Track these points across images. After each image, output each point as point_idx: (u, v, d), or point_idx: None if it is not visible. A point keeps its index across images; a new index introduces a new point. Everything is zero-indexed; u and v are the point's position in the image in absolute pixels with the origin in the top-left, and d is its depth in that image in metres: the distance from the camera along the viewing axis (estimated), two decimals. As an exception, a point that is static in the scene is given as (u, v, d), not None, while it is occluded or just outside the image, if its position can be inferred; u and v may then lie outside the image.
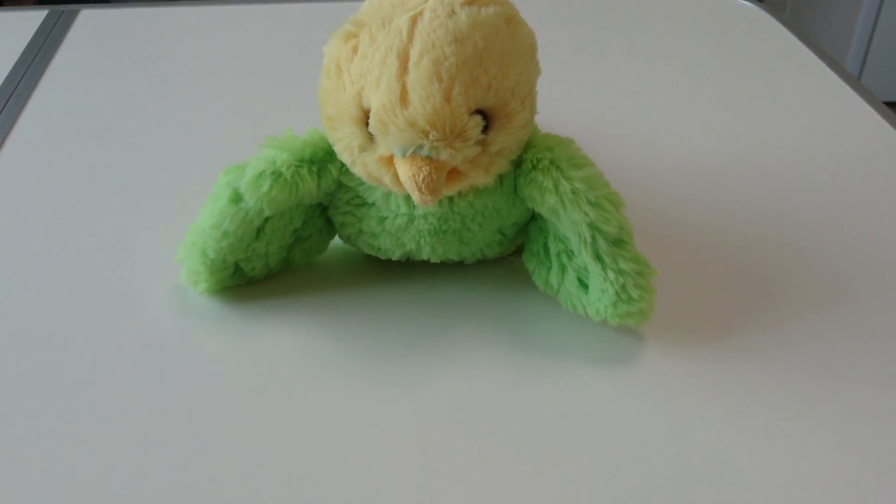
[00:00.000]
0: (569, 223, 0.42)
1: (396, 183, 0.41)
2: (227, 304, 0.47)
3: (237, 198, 0.43)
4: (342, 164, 0.44)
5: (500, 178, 0.43)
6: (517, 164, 0.43)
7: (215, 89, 0.70)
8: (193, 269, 0.46)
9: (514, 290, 0.48)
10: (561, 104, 0.63)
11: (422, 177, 0.38)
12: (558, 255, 0.45)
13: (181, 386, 0.42)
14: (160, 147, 0.62)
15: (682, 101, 0.70)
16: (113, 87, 0.69)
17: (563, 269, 0.45)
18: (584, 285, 0.45)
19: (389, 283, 0.49)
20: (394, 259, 0.47)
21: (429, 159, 0.38)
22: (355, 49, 0.39)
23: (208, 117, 0.67)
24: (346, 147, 0.41)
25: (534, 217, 0.47)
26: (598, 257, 0.42)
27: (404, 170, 0.39)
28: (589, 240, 0.42)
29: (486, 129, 0.40)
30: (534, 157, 0.43)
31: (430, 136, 0.38)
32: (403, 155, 0.38)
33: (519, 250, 0.51)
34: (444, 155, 0.38)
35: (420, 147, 0.38)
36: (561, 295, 0.46)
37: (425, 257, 0.46)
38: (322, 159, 0.44)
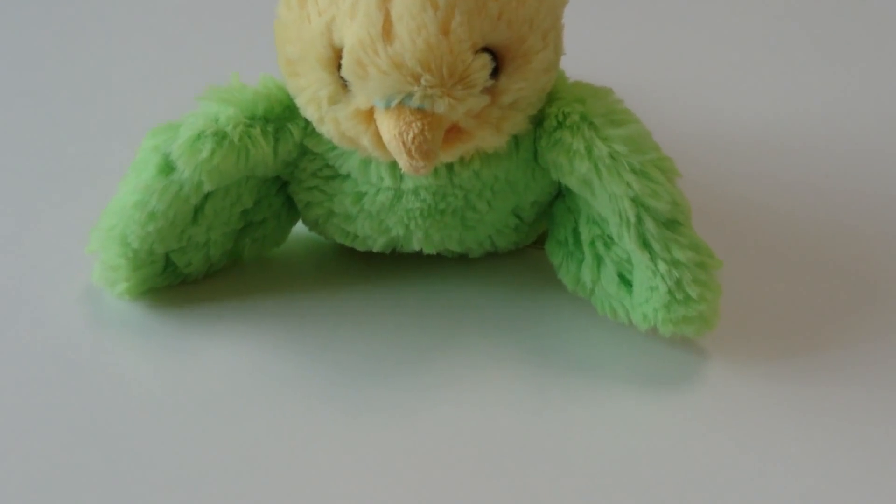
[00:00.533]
0: (606, 199, 0.42)
1: (378, 145, 0.40)
2: (155, 310, 0.46)
3: (168, 167, 0.42)
4: (306, 123, 0.43)
5: (516, 141, 0.43)
6: (538, 121, 0.43)
7: (137, 28, 0.70)
8: (111, 264, 0.45)
9: (535, 290, 0.48)
10: (596, 50, 0.62)
11: (411, 135, 0.37)
12: (592, 242, 0.44)
13: (93, 417, 0.41)
14: (66, 105, 0.61)
15: (761, 46, 0.69)
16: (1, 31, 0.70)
17: (598, 261, 0.44)
18: (626, 283, 0.44)
19: (370, 282, 0.48)
20: (375, 250, 0.47)
21: (421, 112, 0.38)
22: None
23: (129, 65, 0.66)
24: (312, 98, 0.41)
25: (560, 194, 0.46)
26: (644, 243, 0.41)
27: (389, 127, 0.38)
28: (633, 220, 0.41)
29: (495, 73, 0.39)
30: (560, 112, 0.42)
31: (423, 82, 0.37)
32: (387, 107, 0.38)
33: (540, 240, 0.50)
34: (441, 106, 0.38)
35: (409, 96, 0.37)
36: (596, 296, 0.45)
37: (417, 247, 0.46)
38: (280, 116, 0.43)
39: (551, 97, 0.43)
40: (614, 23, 0.68)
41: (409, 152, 0.38)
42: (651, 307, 0.43)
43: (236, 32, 0.68)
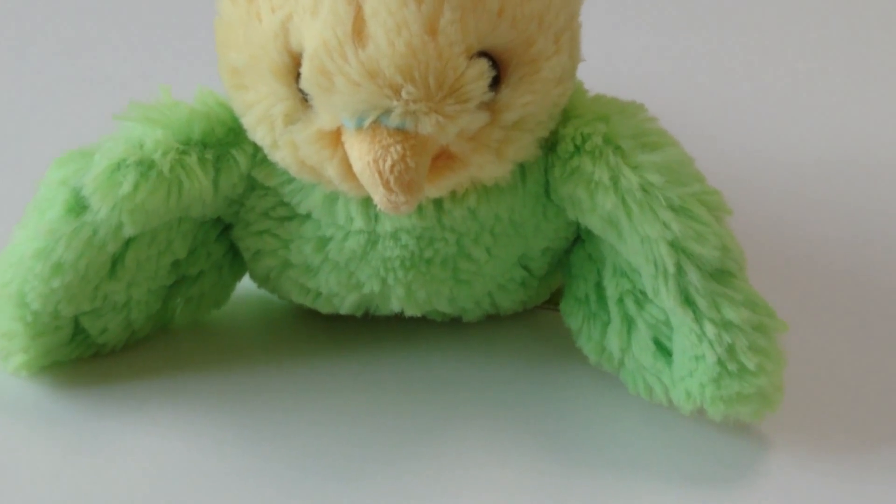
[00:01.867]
0: (637, 243, 0.42)
1: (347, 176, 0.41)
2: (61, 390, 0.46)
3: (78, 206, 0.43)
4: (255, 149, 0.44)
5: (522, 171, 0.44)
6: (550, 145, 0.44)
7: (43, 35, 0.71)
8: (4, 330, 0.45)
9: (548, 364, 0.49)
10: (622, 57, 0.63)
11: (389, 163, 0.38)
12: (621, 300, 0.45)
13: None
14: None
15: (826, 62, 0.71)
16: None
17: (629, 324, 0.45)
18: (664, 351, 0.45)
19: (336, 354, 0.49)
20: (343, 312, 0.48)
21: (401, 133, 0.38)
22: None
23: (33, 80, 0.66)
24: (264, 117, 0.42)
25: (579, 238, 0.47)
26: (687, 300, 0.42)
27: (361, 152, 0.39)
28: (672, 270, 0.42)
29: (496, 84, 0.40)
30: (578, 133, 0.43)
31: (404, 94, 0.38)
32: (359, 127, 0.39)
33: (554, 298, 0.50)
34: (428, 125, 0.38)
35: (386, 113, 0.38)
36: (627, 369, 0.46)
37: (396, 308, 0.47)
38: (222, 140, 0.44)
39: (566, 115, 0.44)
40: (643, 24, 0.70)
41: (386, 184, 0.38)
42: (696, 382, 0.43)
43: (166, 35, 0.69)
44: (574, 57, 0.43)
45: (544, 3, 0.41)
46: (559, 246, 0.47)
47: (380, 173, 0.38)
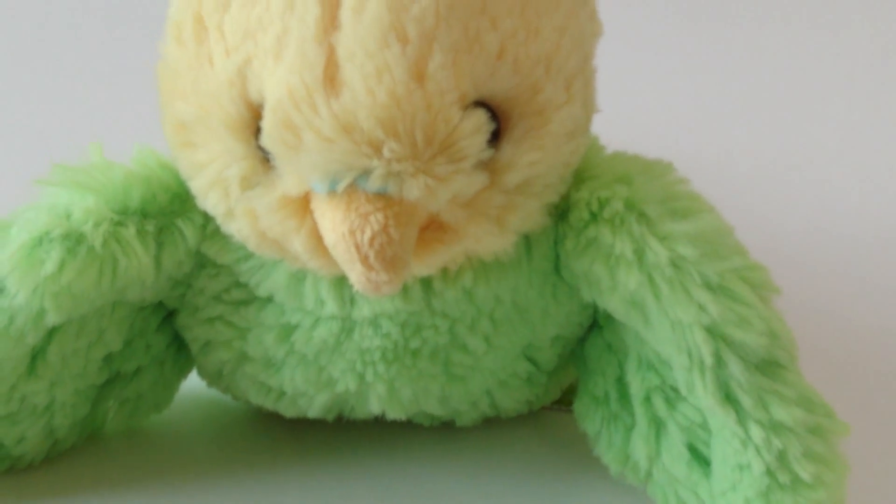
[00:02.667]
0: (667, 329, 0.42)
1: (316, 251, 0.41)
2: None
3: None
4: (206, 219, 0.44)
5: (528, 244, 0.44)
6: (561, 213, 0.44)
7: None
8: None
9: (558, 477, 0.48)
10: (644, 114, 0.63)
11: (369, 234, 0.38)
12: (648, 398, 0.45)
13: None
14: None
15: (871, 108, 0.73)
16: None
17: (658, 427, 0.45)
18: (700, 460, 0.45)
19: (303, 469, 0.48)
20: (311, 416, 0.48)
21: (383, 199, 0.38)
22: None
23: None
24: (216, 181, 0.41)
25: (596, 325, 0.47)
26: (728, 397, 0.42)
27: (335, 222, 0.38)
28: (709, 361, 0.42)
29: (496, 140, 0.40)
30: (594, 198, 0.43)
31: (386, 152, 0.38)
32: (332, 191, 0.38)
33: (565, 398, 0.50)
34: (414, 189, 0.38)
35: (364, 175, 0.38)
36: (655, 482, 0.46)
37: (376, 411, 0.46)
38: (165, 209, 0.44)
39: (580, 177, 0.44)
40: (667, 69, 0.69)
41: (365, 260, 0.38)
42: (740, 497, 0.42)
43: (97, 84, 0.69)
44: (588, 107, 0.43)
45: (552, 43, 0.41)
46: (572, 334, 0.47)
47: (357, 247, 0.38)
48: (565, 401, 0.51)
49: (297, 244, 0.41)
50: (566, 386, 0.50)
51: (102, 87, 0.68)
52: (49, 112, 0.67)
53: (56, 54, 0.72)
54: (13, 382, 0.45)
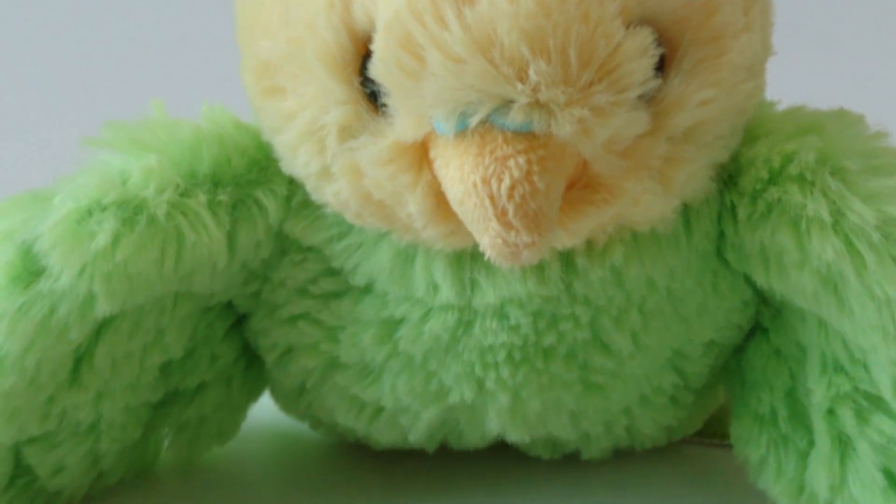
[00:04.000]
0: (871, 311, 0.39)
1: (436, 212, 0.38)
2: None
3: (29, 270, 0.40)
4: (290, 191, 0.42)
5: (686, 216, 0.40)
6: (728, 178, 0.40)
7: None
8: None
9: None
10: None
11: (508, 183, 0.34)
12: (832, 411, 0.41)
13: None
14: None
15: None
16: None
17: (844, 448, 0.41)
18: None
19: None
20: (413, 441, 0.45)
21: (527, 139, 0.35)
22: None
23: None
24: (309, 132, 0.39)
25: (759, 329, 0.44)
26: None
27: (463, 170, 0.35)
28: None
29: (661, 70, 0.36)
30: (776, 154, 0.40)
31: (532, 75, 0.34)
32: (460, 131, 0.35)
33: (709, 430, 0.47)
34: (567, 125, 0.35)
35: (504, 108, 0.35)
36: None
37: (495, 430, 0.44)
38: (241, 177, 0.42)
39: (752, 133, 0.40)
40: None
41: (501, 215, 0.34)
42: None
43: (159, 37, 0.68)
44: (766, 41, 0.40)
45: None
46: (728, 340, 0.43)
47: (493, 199, 0.34)
48: (708, 433, 0.48)
49: (412, 204, 0.38)
50: (708, 415, 0.47)
51: (166, 39, 0.67)
52: (100, 67, 0.67)
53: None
54: (52, 393, 0.41)
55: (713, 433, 0.47)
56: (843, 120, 0.41)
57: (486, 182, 0.34)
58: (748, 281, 0.41)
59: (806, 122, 0.40)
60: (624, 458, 0.47)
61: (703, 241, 0.41)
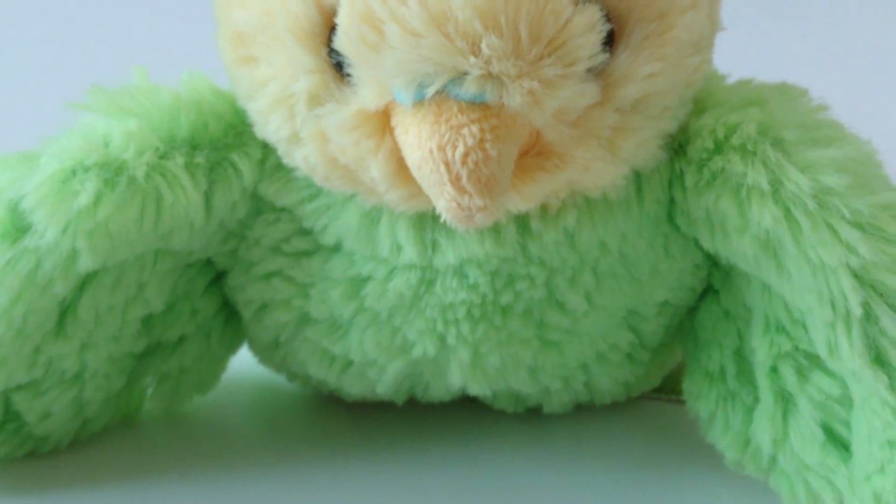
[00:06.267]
0: (807, 275, 0.39)
1: (397, 175, 0.38)
2: None
3: (15, 226, 0.41)
4: (264, 154, 0.42)
5: (638, 182, 0.41)
6: (677, 147, 0.41)
7: None
8: None
9: (662, 469, 0.46)
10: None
11: (462, 150, 0.35)
12: (775, 369, 0.42)
13: None
14: None
15: None
16: None
17: (786, 404, 0.42)
18: (837, 442, 0.41)
19: (366, 459, 0.46)
20: (380, 392, 0.45)
21: (480, 108, 0.35)
22: None
23: None
24: (280, 99, 0.39)
25: (710, 291, 0.44)
26: (879, 358, 0.39)
27: (421, 137, 0.36)
28: (858, 312, 0.38)
29: (610, 45, 0.37)
30: (720, 124, 0.40)
31: (485, 48, 0.35)
32: (419, 101, 0.36)
33: (666, 386, 0.48)
34: (517, 95, 0.35)
35: (459, 79, 0.35)
36: (781, 470, 0.43)
37: (457, 383, 0.44)
38: (218, 141, 0.42)
39: (701, 105, 0.41)
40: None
41: (456, 181, 0.35)
42: (891, 480, 0.39)
43: (143, 6, 0.68)
44: (714, 18, 0.40)
45: None
46: (681, 301, 0.44)
47: (447, 165, 0.35)
48: (665, 389, 0.48)
49: (375, 169, 0.38)
50: (666, 372, 0.48)
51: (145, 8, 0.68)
52: (83, 35, 0.69)
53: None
54: (38, 343, 0.42)
55: (671, 390, 0.47)
56: (787, 94, 0.41)
57: (441, 149, 0.35)
58: (698, 245, 0.42)
59: (751, 96, 0.41)
60: (584, 412, 0.47)
61: (655, 207, 0.41)
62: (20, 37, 0.67)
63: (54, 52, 0.65)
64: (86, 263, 0.41)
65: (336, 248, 0.42)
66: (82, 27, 0.67)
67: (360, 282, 0.42)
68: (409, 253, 0.41)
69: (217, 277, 0.45)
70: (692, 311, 0.45)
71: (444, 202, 0.36)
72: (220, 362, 0.47)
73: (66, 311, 0.42)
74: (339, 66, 0.38)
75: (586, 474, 0.45)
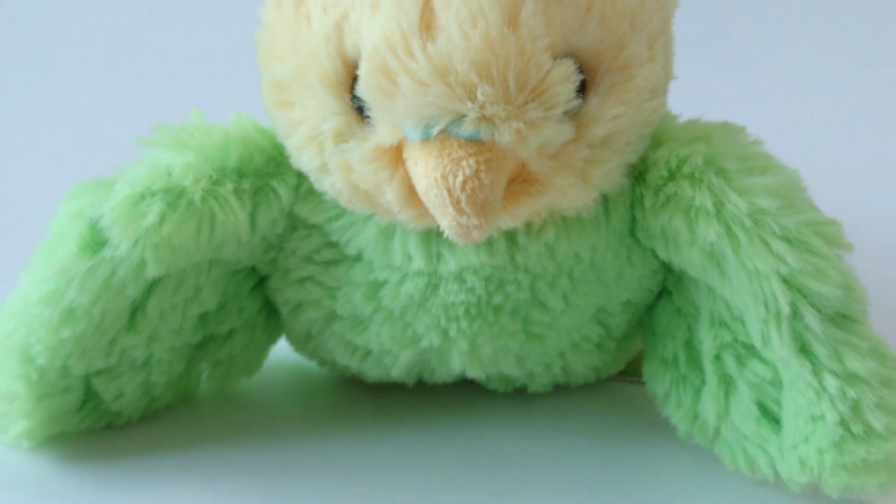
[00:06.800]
0: (744, 280, 0.39)
1: (408, 199, 0.38)
2: (67, 467, 0.43)
3: (95, 241, 0.41)
4: (299, 181, 0.42)
5: (606, 204, 0.41)
6: (638, 175, 0.41)
7: (60, 53, 0.71)
8: (5, 391, 0.42)
9: (627, 438, 0.46)
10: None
11: (461, 178, 0.35)
12: (718, 357, 0.42)
13: None
14: None
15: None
16: None
17: (728, 385, 0.42)
18: (770, 417, 0.41)
19: (385, 429, 0.46)
20: (394, 376, 0.45)
21: (476, 145, 0.35)
22: None
23: (47, 104, 0.67)
24: (311, 137, 0.39)
25: (665, 292, 0.44)
26: (804, 348, 0.39)
27: (427, 167, 0.36)
28: (786, 311, 0.38)
29: (582, 92, 0.37)
30: (673, 156, 0.40)
31: (479, 95, 0.35)
32: (425, 138, 0.36)
33: (630, 370, 0.48)
34: (506, 134, 0.35)
35: (458, 121, 0.35)
36: (724, 440, 0.42)
37: (457, 368, 0.44)
38: (261, 170, 0.42)
39: (657, 140, 0.41)
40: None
41: (456, 204, 0.35)
42: (813, 448, 0.39)
43: (196, 58, 0.69)
44: (667, 69, 0.40)
45: (637, 1, 0.38)
46: (641, 300, 0.44)
47: (449, 191, 0.35)
48: (629, 373, 0.48)
49: (390, 194, 0.38)
50: (630, 358, 0.47)
51: (202, 59, 0.69)
52: (150, 83, 0.68)
53: (158, 33, 0.73)
54: (113, 336, 0.42)
55: (633, 373, 0.47)
56: (728, 131, 0.41)
57: (444, 178, 0.35)
58: (655, 255, 0.42)
59: (698, 132, 0.41)
60: (562, 391, 0.47)
61: (619, 224, 0.41)
62: (101, 86, 0.67)
63: (127, 97, 0.64)
64: (152, 271, 0.41)
65: (358, 258, 0.42)
66: (148, 77, 0.67)
67: (377, 286, 0.42)
68: (418, 262, 0.41)
69: (260, 281, 0.45)
70: (650, 308, 0.45)
71: (446, 221, 0.36)
72: (262, 351, 0.47)
73: (136, 310, 0.42)
74: (360, 110, 0.37)
75: (564, 442, 0.45)
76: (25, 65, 0.71)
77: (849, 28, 0.88)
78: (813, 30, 0.88)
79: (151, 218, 0.40)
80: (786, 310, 0.38)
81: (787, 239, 0.38)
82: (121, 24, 0.74)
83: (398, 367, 0.44)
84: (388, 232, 0.41)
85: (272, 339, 0.47)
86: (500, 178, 0.36)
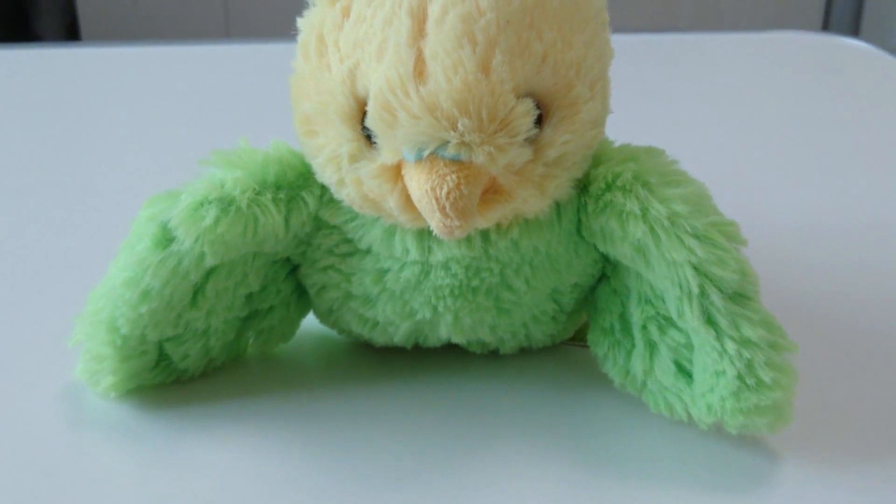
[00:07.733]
0: (664, 268, 0.38)
1: (405, 206, 0.37)
2: (144, 411, 0.42)
3: (165, 238, 0.39)
4: (322, 192, 0.41)
5: (558, 209, 0.40)
6: (582, 187, 0.40)
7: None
8: (96, 354, 0.41)
9: (577, 389, 0.44)
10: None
11: (446, 189, 0.34)
12: (644, 326, 0.41)
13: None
14: (49, 185, 0.61)
15: (786, 155, 0.70)
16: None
17: (651, 348, 0.41)
18: (684, 372, 0.40)
19: (389, 381, 0.45)
20: (396, 341, 0.44)
21: (457, 164, 0.35)
22: (346, 12, 0.37)
23: (123, 143, 0.66)
24: (331, 158, 0.38)
25: (604, 276, 0.44)
26: (709, 320, 0.38)
27: (419, 181, 0.35)
28: (696, 291, 0.37)
29: (539, 124, 0.36)
30: (609, 172, 0.39)
31: (460, 127, 0.34)
32: (418, 159, 0.35)
33: (578, 336, 0.47)
34: (480, 155, 0.35)
35: (443, 145, 0.35)
36: (649, 390, 0.41)
37: (444, 335, 0.42)
38: (293, 184, 0.41)
39: (597, 160, 0.40)
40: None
41: (442, 209, 0.35)
42: (717, 396, 0.38)
43: (245, 101, 0.68)
44: (605, 105, 0.39)
45: (581, 54, 0.37)
46: (586, 282, 0.43)
47: (437, 200, 0.35)
48: (578, 338, 0.47)
49: (391, 202, 0.37)
50: (578, 326, 0.46)
51: (250, 103, 0.69)
52: (211, 121, 0.68)
53: (218, 84, 0.72)
54: (180, 311, 0.41)
55: (580, 338, 0.46)
56: (651, 153, 0.40)
57: (433, 189, 0.35)
58: (596, 248, 0.41)
59: (628, 154, 0.40)
60: (526, 353, 0.46)
61: (569, 224, 0.40)
62: (172, 122, 0.67)
63: (191, 132, 0.64)
64: (209, 261, 0.40)
65: (368, 251, 0.41)
66: (206, 115, 0.66)
67: (383, 272, 0.41)
68: (414, 254, 0.40)
69: (293, 269, 0.44)
70: (593, 289, 0.44)
71: (435, 223, 0.35)
72: (295, 323, 0.46)
73: (197, 291, 0.41)
74: (368, 137, 0.37)
75: (528, 393, 0.44)
76: (121, 113, 0.72)
77: (744, 73, 0.87)
78: (715, 75, 0.88)
79: (209, 220, 0.39)
80: (695, 290, 0.38)
81: (696, 236, 0.38)
82: (189, 81, 0.74)
83: (399, 335, 0.43)
84: (390, 231, 0.40)
85: (303, 314, 0.46)
86: (476, 189, 0.35)
